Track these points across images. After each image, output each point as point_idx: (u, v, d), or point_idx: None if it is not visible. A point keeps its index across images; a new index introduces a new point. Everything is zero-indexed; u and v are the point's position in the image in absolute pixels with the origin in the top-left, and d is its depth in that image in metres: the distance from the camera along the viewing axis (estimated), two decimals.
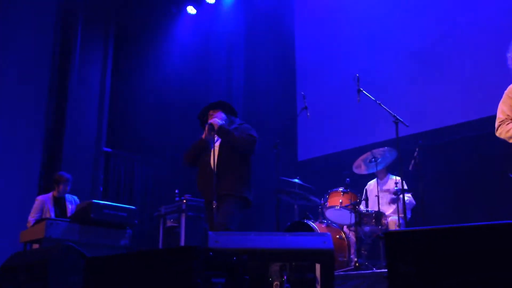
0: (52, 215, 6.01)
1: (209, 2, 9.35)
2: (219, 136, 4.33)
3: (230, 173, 4.25)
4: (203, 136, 4.39)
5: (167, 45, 9.31)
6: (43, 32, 7.86)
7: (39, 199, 6.23)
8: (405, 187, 5.17)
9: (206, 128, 4.34)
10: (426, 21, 6.97)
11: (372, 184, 5.98)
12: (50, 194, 6.26)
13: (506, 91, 3.56)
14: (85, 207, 5.03)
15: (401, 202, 4.87)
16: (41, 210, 6.11)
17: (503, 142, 3.75)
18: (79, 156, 7.74)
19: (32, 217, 6.02)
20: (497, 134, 3.54)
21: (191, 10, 9.33)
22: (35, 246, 5.11)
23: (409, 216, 5.55)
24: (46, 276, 3.01)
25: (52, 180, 6.45)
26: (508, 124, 3.47)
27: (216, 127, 4.27)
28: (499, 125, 3.52)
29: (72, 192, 6.41)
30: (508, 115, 3.49)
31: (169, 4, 9.35)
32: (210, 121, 4.37)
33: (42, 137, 7.59)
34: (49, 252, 3.31)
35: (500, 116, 3.53)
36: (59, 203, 6.23)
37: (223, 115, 4.53)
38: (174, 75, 9.19)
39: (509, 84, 3.59)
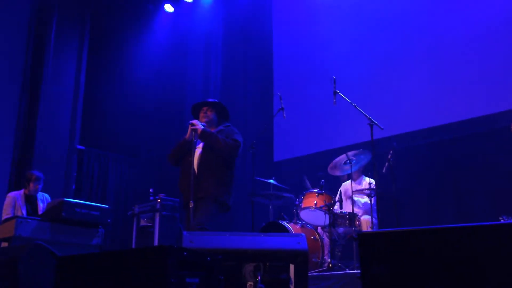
0: (24, 212, 5.89)
1: (187, 0, 9.31)
2: (202, 140, 4.31)
3: (210, 176, 4.22)
4: (186, 136, 4.36)
5: (143, 42, 9.22)
6: (17, 27, 7.70)
7: (10, 195, 6.10)
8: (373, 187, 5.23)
9: (189, 128, 4.31)
10: (401, 24, 7.07)
11: (346, 185, 6.03)
12: (22, 191, 6.13)
13: None
14: (57, 205, 4.93)
15: (373, 204, 4.92)
16: (13, 207, 5.98)
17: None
18: (51, 153, 7.60)
19: (6, 215, 5.88)
20: None
21: (168, 8, 9.26)
22: (4, 244, 4.99)
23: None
24: (16, 275, 2.95)
25: (23, 177, 6.32)
26: None
27: (198, 132, 4.25)
28: None
29: (44, 190, 6.29)
30: None
31: (146, 1, 9.26)
32: (191, 122, 4.34)
33: (13, 134, 7.43)
34: (19, 251, 3.23)
35: None
36: (30, 200, 6.11)
37: (213, 118, 4.52)
38: (150, 73, 9.11)
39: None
